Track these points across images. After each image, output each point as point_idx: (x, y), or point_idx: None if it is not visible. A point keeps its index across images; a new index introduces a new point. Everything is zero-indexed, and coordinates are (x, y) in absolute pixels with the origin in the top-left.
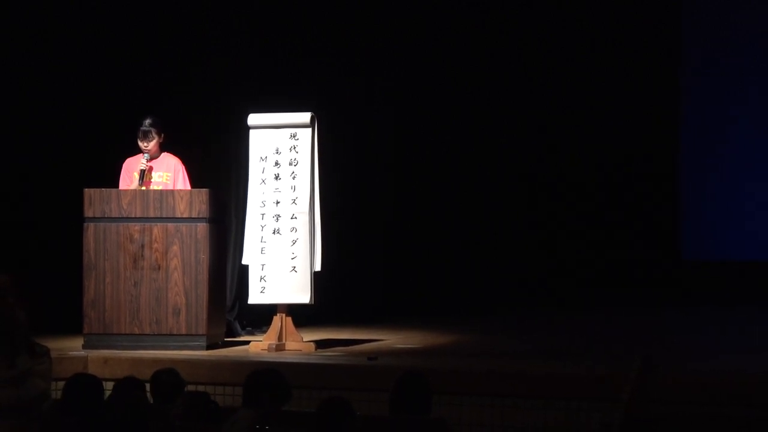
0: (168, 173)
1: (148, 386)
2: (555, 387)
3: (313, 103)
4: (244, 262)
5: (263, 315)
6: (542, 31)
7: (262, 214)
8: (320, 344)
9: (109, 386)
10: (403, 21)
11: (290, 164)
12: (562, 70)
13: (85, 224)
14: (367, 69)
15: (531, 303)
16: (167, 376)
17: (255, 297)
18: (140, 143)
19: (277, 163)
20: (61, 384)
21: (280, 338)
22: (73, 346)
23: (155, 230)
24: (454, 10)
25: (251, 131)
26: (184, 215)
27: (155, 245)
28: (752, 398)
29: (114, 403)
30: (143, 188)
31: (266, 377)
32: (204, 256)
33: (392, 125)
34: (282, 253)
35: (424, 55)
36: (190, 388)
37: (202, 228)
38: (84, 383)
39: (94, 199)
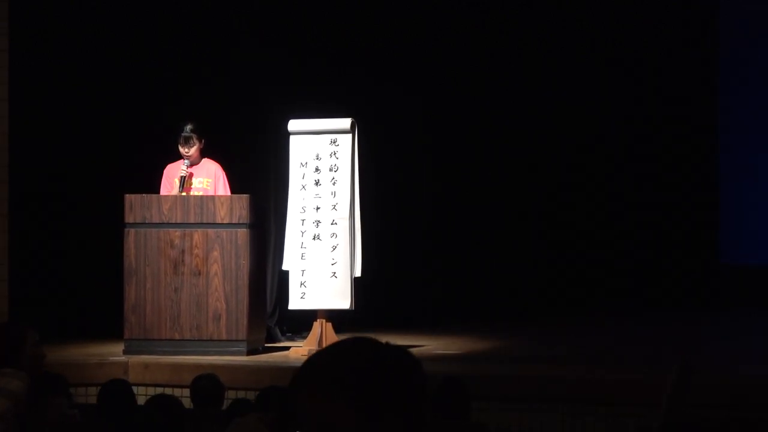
0: (209, 179)
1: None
2: (593, 392)
3: (351, 108)
4: (284, 267)
5: (303, 321)
6: (578, 35)
7: (302, 220)
8: None
9: (150, 391)
10: (439, 24)
11: (330, 170)
12: (600, 74)
13: (126, 230)
14: (403, 73)
15: (568, 308)
16: (207, 382)
17: (295, 303)
18: (181, 149)
19: (317, 169)
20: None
21: (320, 344)
22: (113, 352)
23: (196, 236)
24: (488, 13)
25: (291, 137)
26: (225, 221)
27: (196, 251)
28: None
29: (149, 407)
30: (184, 194)
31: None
32: (244, 262)
33: (432, 131)
34: (322, 259)
35: (461, 59)
36: (230, 393)
37: (243, 234)
38: (115, 389)
39: (134, 205)
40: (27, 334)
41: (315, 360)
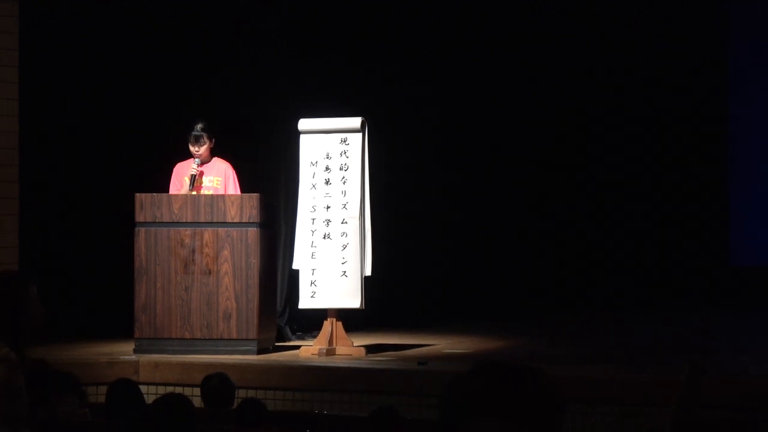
0: (219, 178)
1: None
2: (602, 392)
3: (361, 107)
4: (294, 266)
5: (314, 320)
6: (591, 37)
7: (313, 219)
8: (370, 349)
9: (160, 390)
10: (450, 23)
11: (341, 169)
12: (611, 77)
13: (137, 229)
14: (414, 72)
15: (578, 307)
16: (218, 381)
17: (305, 302)
18: (191, 148)
19: (327, 168)
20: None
21: (330, 343)
22: (124, 351)
23: (206, 235)
24: (500, 12)
25: (302, 136)
26: (235, 220)
27: (206, 250)
28: None
29: (158, 405)
30: (194, 193)
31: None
32: (255, 261)
33: (442, 130)
34: (332, 258)
35: (472, 58)
36: (241, 392)
37: (253, 233)
38: (122, 388)
39: (145, 204)
40: (29, 287)
41: (472, 395)
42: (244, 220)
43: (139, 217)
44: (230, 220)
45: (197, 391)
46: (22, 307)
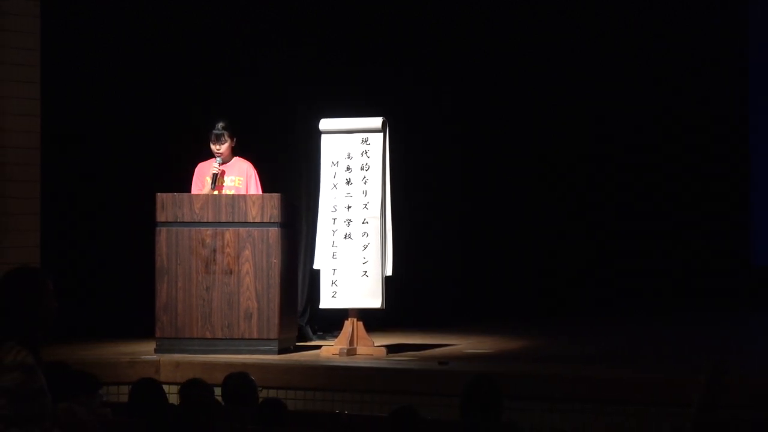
0: (240, 177)
1: (218, 390)
2: (625, 392)
3: (382, 107)
4: (315, 266)
5: (334, 319)
6: (611, 39)
7: (334, 219)
8: (391, 349)
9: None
10: (469, 22)
11: (362, 169)
12: (632, 77)
13: (158, 229)
14: (434, 72)
15: (598, 308)
16: (239, 380)
17: (326, 302)
18: (213, 147)
19: (348, 168)
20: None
21: (351, 343)
22: (145, 350)
23: (227, 235)
24: (520, 12)
25: (323, 136)
26: (256, 220)
27: (227, 250)
28: None
29: (180, 403)
30: (215, 192)
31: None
32: (276, 261)
33: (462, 130)
34: (353, 258)
35: (491, 58)
36: (261, 392)
37: (274, 233)
38: (145, 388)
39: (166, 204)
40: (47, 282)
41: None
42: (265, 220)
43: (161, 217)
44: (251, 220)
45: (218, 390)
46: (40, 303)
